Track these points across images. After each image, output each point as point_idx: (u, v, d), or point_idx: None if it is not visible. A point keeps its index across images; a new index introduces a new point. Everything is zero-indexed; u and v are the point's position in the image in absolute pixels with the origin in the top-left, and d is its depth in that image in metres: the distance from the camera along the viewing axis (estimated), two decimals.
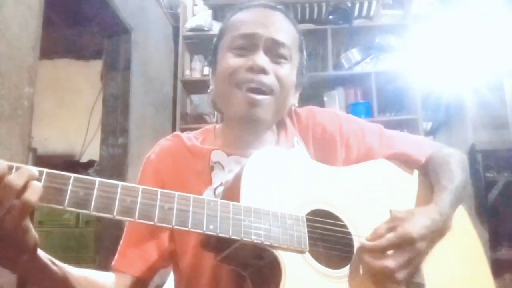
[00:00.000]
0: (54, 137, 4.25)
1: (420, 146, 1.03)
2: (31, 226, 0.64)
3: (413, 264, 0.79)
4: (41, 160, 3.64)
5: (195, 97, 3.88)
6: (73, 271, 0.78)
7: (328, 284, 0.77)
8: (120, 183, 0.67)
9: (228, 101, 0.94)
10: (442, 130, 4.13)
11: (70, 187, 0.63)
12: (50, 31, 3.06)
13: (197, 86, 3.63)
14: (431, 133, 4.27)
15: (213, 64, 1.01)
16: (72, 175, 0.64)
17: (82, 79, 4.38)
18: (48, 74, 4.10)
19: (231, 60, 0.92)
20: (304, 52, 1.03)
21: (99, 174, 3.04)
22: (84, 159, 4.12)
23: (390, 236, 0.78)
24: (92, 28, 3.14)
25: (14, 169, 0.60)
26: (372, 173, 0.96)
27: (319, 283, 0.76)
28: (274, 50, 0.92)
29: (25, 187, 0.59)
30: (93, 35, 3.64)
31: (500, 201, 3.26)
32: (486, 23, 3.22)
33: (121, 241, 0.94)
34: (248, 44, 0.92)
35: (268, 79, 0.90)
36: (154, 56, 3.46)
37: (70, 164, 3.91)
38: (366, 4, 3.60)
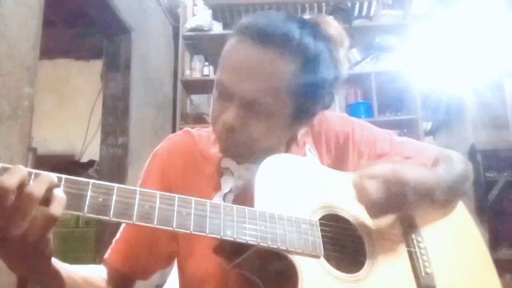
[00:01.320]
0: (54, 137, 4.24)
1: (427, 151, 1.04)
2: (51, 237, 0.63)
3: (393, 203, 0.81)
4: (41, 160, 3.64)
5: (195, 97, 3.89)
6: (71, 269, 0.78)
7: None
8: (138, 188, 0.67)
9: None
10: (442, 130, 4.13)
11: (89, 192, 0.62)
12: (50, 31, 3.06)
13: (197, 86, 3.63)
14: (431, 133, 4.27)
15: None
16: (91, 181, 0.63)
17: (82, 79, 4.38)
18: (48, 74, 4.10)
19: (214, 107, 0.87)
20: (321, 73, 0.85)
21: (99, 174, 3.05)
22: (84, 159, 4.12)
23: (383, 167, 0.82)
24: (92, 28, 3.14)
25: (33, 176, 0.59)
26: None
27: (335, 287, 0.76)
28: (246, 107, 0.82)
29: (47, 197, 0.58)
30: (93, 35, 3.64)
31: (500, 201, 3.26)
32: (486, 23, 3.22)
33: (117, 236, 0.93)
34: (224, 94, 0.85)
35: (236, 139, 0.84)
36: (154, 56, 3.46)
37: (70, 164, 3.91)
38: (366, 4, 3.60)
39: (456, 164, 0.97)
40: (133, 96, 2.97)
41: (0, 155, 1.57)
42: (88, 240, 3.25)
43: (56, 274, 0.71)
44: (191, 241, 0.89)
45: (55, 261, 0.71)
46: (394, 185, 0.81)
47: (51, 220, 0.58)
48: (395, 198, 0.81)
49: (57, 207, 0.58)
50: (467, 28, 3.31)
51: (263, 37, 0.81)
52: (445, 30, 3.47)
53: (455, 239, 0.93)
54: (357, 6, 3.60)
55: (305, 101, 0.86)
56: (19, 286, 1.74)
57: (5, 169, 0.57)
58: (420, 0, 3.69)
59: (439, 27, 3.52)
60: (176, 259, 0.96)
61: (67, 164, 3.81)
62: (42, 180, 0.58)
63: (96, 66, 4.18)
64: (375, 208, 0.81)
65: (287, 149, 0.96)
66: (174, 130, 3.49)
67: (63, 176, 0.61)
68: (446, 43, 3.47)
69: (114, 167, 2.84)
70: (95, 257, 2.76)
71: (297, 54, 0.81)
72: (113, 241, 0.93)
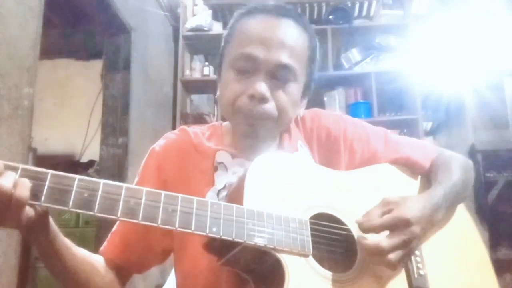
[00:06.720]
0: (54, 137, 4.24)
1: (425, 151, 1.03)
2: (30, 209, 0.65)
3: (408, 248, 0.79)
4: (41, 160, 3.64)
5: (195, 97, 3.88)
6: (76, 250, 0.83)
7: None
8: (124, 185, 0.67)
9: (230, 119, 0.95)
10: (442, 130, 4.14)
11: (74, 188, 0.63)
12: (50, 31, 3.07)
13: (197, 86, 3.63)
14: (431, 133, 4.27)
15: (219, 68, 0.98)
16: (77, 176, 0.65)
17: (82, 79, 4.37)
18: (48, 74, 4.10)
19: (233, 85, 0.89)
20: (317, 56, 0.99)
21: (99, 174, 3.04)
22: (84, 159, 4.12)
23: (385, 217, 0.79)
24: (92, 28, 3.14)
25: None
26: (375, 177, 0.96)
27: (322, 287, 0.76)
28: (276, 74, 0.89)
29: (14, 186, 0.61)
30: (93, 35, 3.64)
31: (500, 201, 3.26)
32: (486, 23, 3.22)
33: (113, 229, 0.95)
34: (249, 67, 0.88)
35: (268, 108, 0.88)
36: (154, 56, 3.46)
37: (70, 164, 3.90)
38: (366, 4, 3.60)
39: (455, 174, 0.96)
40: (133, 96, 2.97)
41: (0, 155, 1.57)
42: (88, 240, 3.24)
43: (58, 253, 0.76)
44: (184, 238, 0.90)
45: (63, 241, 0.77)
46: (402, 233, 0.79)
47: (20, 204, 0.61)
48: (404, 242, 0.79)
49: (22, 189, 0.61)
50: (467, 28, 3.31)
51: (282, 10, 0.92)
52: (445, 30, 3.47)
53: (453, 241, 0.92)
54: (357, 6, 3.60)
55: (310, 79, 0.97)
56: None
57: None
58: (420, 0, 3.69)
59: (439, 27, 3.51)
60: (172, 255, 0.97)
61: (67, 164, 3.80)
62: (8, 175, 0.61)
63: (96, 66, 4.18)
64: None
65: (281, 143, 0.98)
66: (174, 130, 3.48)
67: (50, 171, 0.63)
68: (446, 43, 3.47)
69: (114, 167, 2.84)
70: None
71: (307, 33, 0.95)
72: (110, 234, 0.95)
